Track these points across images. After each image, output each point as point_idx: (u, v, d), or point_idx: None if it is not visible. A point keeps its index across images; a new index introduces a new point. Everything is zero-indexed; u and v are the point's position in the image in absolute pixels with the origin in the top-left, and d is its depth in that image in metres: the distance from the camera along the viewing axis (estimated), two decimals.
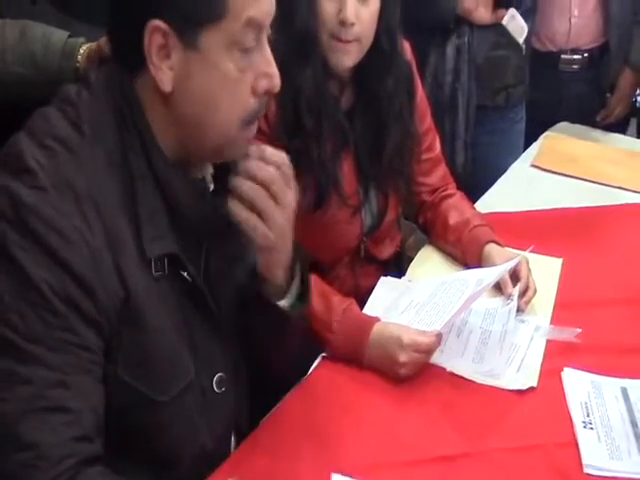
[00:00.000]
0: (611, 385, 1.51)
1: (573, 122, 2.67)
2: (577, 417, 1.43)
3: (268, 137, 1.67)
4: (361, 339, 1.55)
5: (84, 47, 1.56)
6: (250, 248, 1.28)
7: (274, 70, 1.17)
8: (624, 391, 1.49)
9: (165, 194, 1.15)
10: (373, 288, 1.81)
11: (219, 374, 1.27)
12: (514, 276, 1.73)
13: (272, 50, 1.64)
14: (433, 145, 1.95)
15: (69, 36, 1.59)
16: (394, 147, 1.78)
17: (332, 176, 1.73)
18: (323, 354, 1.59)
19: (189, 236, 1.20)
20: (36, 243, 1.04)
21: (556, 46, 2.68)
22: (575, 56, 2.68)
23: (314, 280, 1.66)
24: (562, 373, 1.54)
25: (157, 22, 1.07)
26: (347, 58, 1.66)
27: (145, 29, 1.07)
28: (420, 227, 2.02)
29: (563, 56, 2.68)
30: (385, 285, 1.81)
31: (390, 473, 1.31)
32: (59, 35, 1.59)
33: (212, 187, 1.26)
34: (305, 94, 1.66)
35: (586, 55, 2.69)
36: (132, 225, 1.12)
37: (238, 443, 1.38)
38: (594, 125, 2.71)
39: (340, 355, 1.57)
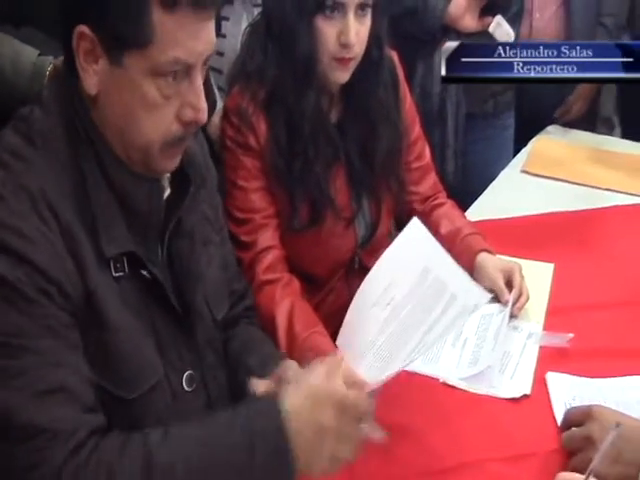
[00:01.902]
0: (597, 387, 1.51)
1: (536, 121, 2.69)
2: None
3: (257, 153, 1.70)
4: None
5: (50, 67, 1.56)
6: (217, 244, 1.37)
7: (202, 104, 1.16)
8: (610, 392, 1.49)
9: (118, 195, 1.18)
10: None
11: (188, 372, 1.29)
12: (508, 283, 1.75)
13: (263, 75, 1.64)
14: (423, 153, 1.96)
15: (39, 54, 1.59)
16: (386, 149, 1.80)
17: (326, 193, 1.75)
18: None
19: (148, 235, 1.24)
20: (3, 252, 1.07)
21: None
22: None
23: (285, 312, 1.64)
24: (546, 377, 1.55)
25: (84, 28, 1.10)
26: (345, 75, 1.69)
27: (74, 32, 1.10)
28: None
29: None
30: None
31: None
32: (29, 53, 1.59)
33: (168, 191, 1.27)
34: (307, 117, 1.68)
35: None
36: (88, 228, 1.15)
37: None
38: (555, 122, 2.74)
39: None
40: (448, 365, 1.60)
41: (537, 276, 1.84)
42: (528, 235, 2.05)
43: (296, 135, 1.70)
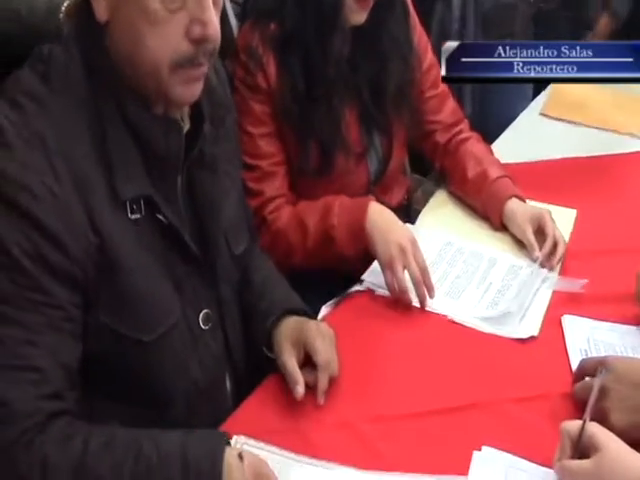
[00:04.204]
0: (611, 331, 1.50)
1: None
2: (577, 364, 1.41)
3: (266, 96, 1.68)
4: (361, 215, 1.61)
5: (67, 3, 1.54)
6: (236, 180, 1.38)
7: (208, 18, 1.11)
8: (626, 337, 1.47)
9: (135, 134, 1.16)
10: None
11: (205, 311, 1.29)
12: (539, 231, 1.72)
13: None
14: (437, 81, 1.92)
15: None
16: (396, 84, 1.77)
17: (339, 134, 1.73)
18: (325, 307, 1.58)
19: (166, 176, 1.21)
20: (7, 206, 1.06)
21: None
22: None
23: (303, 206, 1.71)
24: (562, 319, 1.53)
25: None
26: (364, 15, 1.66)
27: None
28: (437, 172, 1.99)
29: None
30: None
31: (394, 425, 1.30)
32: None
33: (187, 127, 1.25)
34: (330, 62, 1.66)
35: None
36: (104, 170, 1.13)
37: (235, 385, 1.39)
38: None
39: (346, 246, 1.64)
40: (467, 303, 1.59)
41: (559, 222, 1.78)
42: (547, 180, 2.02)
43: (315, 79, 1.67)
